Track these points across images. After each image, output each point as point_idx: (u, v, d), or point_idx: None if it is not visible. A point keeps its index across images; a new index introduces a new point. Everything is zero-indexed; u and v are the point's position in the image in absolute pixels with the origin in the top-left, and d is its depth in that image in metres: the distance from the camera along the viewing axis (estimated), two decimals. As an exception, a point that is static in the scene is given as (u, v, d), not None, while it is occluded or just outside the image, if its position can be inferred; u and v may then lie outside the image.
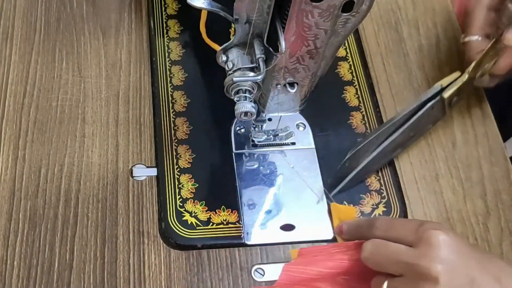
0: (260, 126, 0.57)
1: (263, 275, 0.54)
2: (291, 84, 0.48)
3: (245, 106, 0.48)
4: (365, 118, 0.63)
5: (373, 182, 0.60)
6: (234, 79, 0.47)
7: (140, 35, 0.66)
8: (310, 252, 0.55)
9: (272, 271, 0.54)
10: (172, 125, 0.60)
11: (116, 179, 0.57)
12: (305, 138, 0.61)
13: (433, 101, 0.59)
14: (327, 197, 0.58)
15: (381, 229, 0.50)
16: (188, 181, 0.57)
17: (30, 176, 0.57)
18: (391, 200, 0.59)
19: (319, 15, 0.42)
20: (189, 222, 0.55)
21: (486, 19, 0.61)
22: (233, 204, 0.57)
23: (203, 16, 0.55)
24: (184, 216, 0.56)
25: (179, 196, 0.57)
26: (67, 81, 0.62)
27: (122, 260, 0.53)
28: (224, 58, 0.48)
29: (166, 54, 0.65)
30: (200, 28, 0.55)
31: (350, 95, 0.65)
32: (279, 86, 0.48)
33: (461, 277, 0.45)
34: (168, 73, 0.63)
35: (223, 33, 0.62)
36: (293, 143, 0.61)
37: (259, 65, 0.46)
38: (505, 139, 0.67)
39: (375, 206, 0.58)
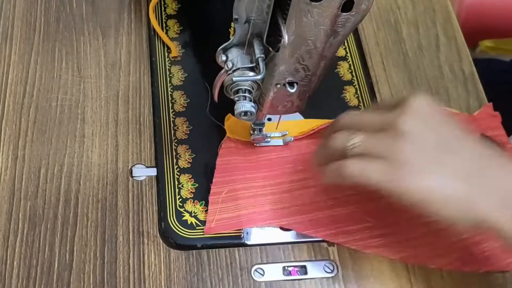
0: (259, 129, 0.57)
1: (263, 275, 0.54)
2: (291, 84, 0.48)
3: (244, 105, 0.48)
4: (365, 118, 0.63)
5: None
6: (234, 78, 0.47)
7: (140, 35, 0.66)
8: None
9: (272, 271, 0.54)
10: (172, 125, 0.60)
11: (116, 179, 0.57)
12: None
13: None
14: None
15: (352, 117, 0.48)
16: (188, 181, 0.57)
17: (30, 176, 0.57)
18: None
19: (319, 14, 0.42)
20: (189, 222, 0.55)
21: None
22: (233, 204, 0.57)
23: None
24: (184, 216, 0.56)
25: (179, 196, 0.57)
26: (66, 81, 0.62)
27: (122, 260, 0.53)
28: (224, 58, 0.48)
29: (166, 54, 0.65)
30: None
31: (350, 95, 0.65)
32: (279, 86, 0.48)
33: (430, 137, 0.44)
34: (167, 73, 0.63)
35: (222, 33, 0.62)
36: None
37: (258, 64, 0.46)
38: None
39: None
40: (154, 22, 0.65)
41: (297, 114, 0.61)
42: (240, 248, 0.55)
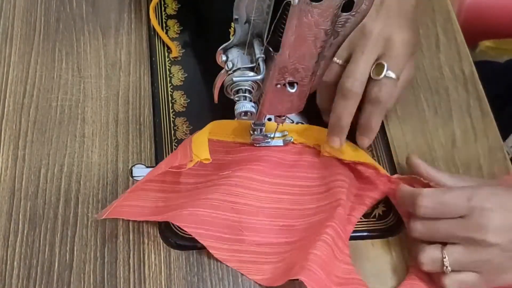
0: (259, 129, 0.57)
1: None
2: (291, 84, 0.48)
3: (245, 106, 0.48)
4: (365, 118, 0.63)
5: None
6: (234, 79, 0.47)
7: (140, 35, 0.66)
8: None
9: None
10: (172, 125, 0.60)
11: (116, 179, 0.57)
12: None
13: None
14: None
15: (428, 208, 0.51)
16: (188, 181, 0.57)
17: (30, 176, 0.57)
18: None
19: (319, 15, 0.42)
20: (189, 222, 0.55)
21: None
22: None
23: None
24: (184, 216, 0.56)
25: (179, 196, 0.57)
26: (66, 81, 0.62)
27: (122, 260, 0.53)
28: (224, 58, 0.48)
29: (166, 54, 0.65)
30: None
31: (350, 95, 0.64)
32: (279, 86, 0.48)
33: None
34: (167, 73, 0.63)
35: (222, 33, 0.62)
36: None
37: (259, 65, 0.46)
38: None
39: None
40: (155, 22, 0.65)
41: (298, 114, 0.61)
42: (240, 248, 0.55)
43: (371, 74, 0.53)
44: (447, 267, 0.50)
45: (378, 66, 0.53)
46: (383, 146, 0.62)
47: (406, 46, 0.54)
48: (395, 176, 0.57)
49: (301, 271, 0.49)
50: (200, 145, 0.53)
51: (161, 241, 0.55)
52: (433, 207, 0.51)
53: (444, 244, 0.51)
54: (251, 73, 0.47)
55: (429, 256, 0.51)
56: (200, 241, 0.53)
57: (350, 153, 0.58)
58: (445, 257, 0.50)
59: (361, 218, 0.57)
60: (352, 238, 0.56)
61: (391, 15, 0.54)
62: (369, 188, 0.57)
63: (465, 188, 0.51)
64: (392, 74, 0.53)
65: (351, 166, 0.58)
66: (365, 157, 0.58)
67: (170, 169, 0.52)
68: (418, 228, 0.52)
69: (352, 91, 0.53)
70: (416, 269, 0.53)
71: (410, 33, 0.55)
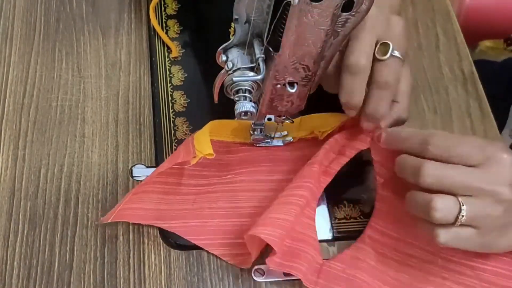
0: (259, 129, 0.57)
1: (263, 275, 0.54)
2: (291, 84, 0.48)
3: (245, 106, 0.48)
4: (365, 118, 0.63)
5: None
6: (234, 79, 0.47)
7: (140, 35, 0.66)
8: None
9: (272, 271, 0.54)
10: (172, 125, 0.60)
11: (116, 179, 0.57)
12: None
13: None
14: None
15: (440, 147, 0.46)
16: (188, 181, 0.57)
17: (30, 176, 0.57)
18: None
19: (319, 15, 0.42)
20: (189, 222, 0.55)
21: None
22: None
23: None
24: (184, 216, 0.56)
25: (179, 196, 0.57)
26: (66, 81, 0.63)
27: (122, 260, 0.53)
28: (224, 58, 0.48)
29: (166, 54, 0.65)
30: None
31: (350, 95, 0.64)
32: (279, 86, 0.48)
33: None
34: (167, 73, 0.63)
35: (222, 33, 0.62)
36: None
37: (259, 65, 0.46)
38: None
39: None
40: (155, 22, 0.65)
41: (298, 114, 0.61)
42: (240, 248, 0.55)
43: (376, 54, 0.49)
44: (463, 216, 0.44)
45: (383, 45, 0.49)
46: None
47: (404, 32, 0.51)
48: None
49: (256, 227, 0.49)
50: (202, 142, 0.53)
51: (161, 241, 0.55)
52: (446, 146, 0.46)
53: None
54: (251, 73, 0.47)
55: (445, 203, 0.45)
56: (210, 251, 0.53)
57: (339, 118, 0.56)
58: (463, 207, 0.45)
59: (361, 218, 0.57)
60: (353, 238, 0.56)
61: (382, 5, 0.50)
62: (351, 139, 0.55)
63: (477, 137, 0.48)
64: (398, 54, 0.49)
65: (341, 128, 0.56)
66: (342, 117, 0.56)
67: (173, 166, 0.51)
68: (430, 171, 0.45)
69: (359, 64, 0.48)
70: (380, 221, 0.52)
71: (403, 23, 0.51)
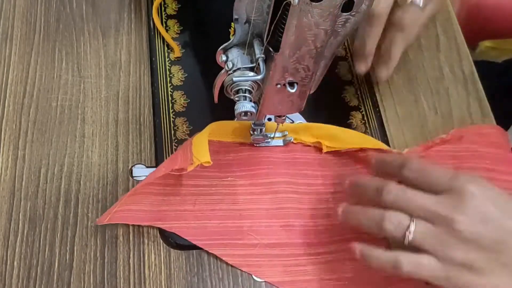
0: (259, 129, 0.57)
1: (263, 275, 0.54)
2: (291, 84, 0.48)
3: (245, 106, 0.48)
4: (365, 118, 0.63)
5: None
6: (234, 79, 0.47)
7: (140, 35, 0.66)
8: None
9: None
10: (172, 125, 0.60)
11: (116, 179, 0.57)
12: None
13: None
14: None
15: (413, 171, 0.48)
16: (188, 181, 0.57)
17: (30, 176, 0.57)
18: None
19: (319, 15, 0.42)
20: (189, 222, 0.55)
21: None
22: (233, 204, 0.57)
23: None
24: (184, 216, 0.56)
25: (179, 196, 0.56)
26: (66, 81, 0.62)
27: (122, 260, 0.53)
28: (224, 58, 0.48)
29: (166, 54, 0.65)
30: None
31: (350, 95, 0.64)
32: (279, 86, 0.48)
33: (492, 231, 0.44)
34: (167, 73, 0.63)
35: (222, 33, 0.62)
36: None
37: (259, 65, 0.46)
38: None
39: None
40: (158, 23, 0.65)
41: (298, 114, 0.61)
42: (240, 248, 0.55)
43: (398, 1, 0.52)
44: (410, 232, 0.45)
45: None
46: (383, 146, 0.62)
47: None
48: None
49: None
50: (200, 148, 0.53)
51: (161, 241, 0.55)
52: (417, 170, 0.48)
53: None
54: (251, 73, 0.47)
55: (397, 218, 0.46)
56: (210, 251, 0.53)
57: (350, 141, 0.58)
58: (412, 223, 0.45)
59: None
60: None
61: None
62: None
63: (450, 168, 0.49)
64: (419, 1, 0.51)
65: (352, 154, 0.58)
66: (369, 142, 0.58)
67: (170, 173, 0.52)
68: (393, 189, 0.47)
69: (376, 13, 0.51)
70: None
71: None
